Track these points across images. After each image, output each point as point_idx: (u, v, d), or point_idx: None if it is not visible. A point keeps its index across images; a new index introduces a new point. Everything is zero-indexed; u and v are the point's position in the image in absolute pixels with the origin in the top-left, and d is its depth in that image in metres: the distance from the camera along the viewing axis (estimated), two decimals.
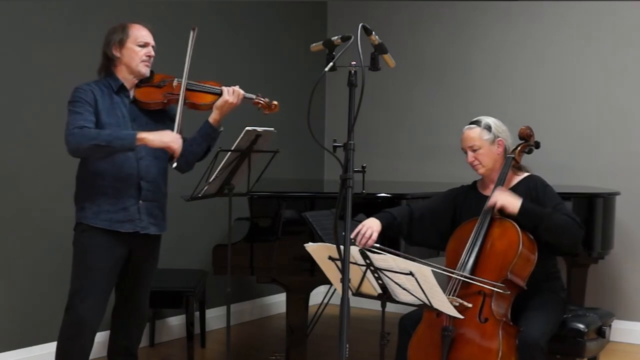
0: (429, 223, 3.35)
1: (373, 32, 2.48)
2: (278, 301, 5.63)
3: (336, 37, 2.48)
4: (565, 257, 4.44)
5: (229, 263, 3.32)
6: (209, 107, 3.20)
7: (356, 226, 3.21)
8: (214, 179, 3.21)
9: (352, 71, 2.37)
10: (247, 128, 3.14)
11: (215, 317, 5.04)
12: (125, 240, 3.10)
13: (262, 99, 3.29)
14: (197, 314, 4.60)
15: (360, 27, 2.37)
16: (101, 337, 3.48)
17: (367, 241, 3.13)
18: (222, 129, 3.26)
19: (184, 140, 3.21)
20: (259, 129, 3.19)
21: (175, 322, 4.93)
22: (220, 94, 3.20)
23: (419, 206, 3.43)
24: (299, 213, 3.64)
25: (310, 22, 6.11)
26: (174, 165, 3.08)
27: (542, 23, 5.34)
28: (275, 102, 3.31)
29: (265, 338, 5.18)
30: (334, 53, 2.46)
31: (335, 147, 2.43)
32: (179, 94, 3.13)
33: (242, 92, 3.21)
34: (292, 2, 5.90)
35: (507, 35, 5.48)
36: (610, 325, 3.40)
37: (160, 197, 3.22)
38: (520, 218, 3.08)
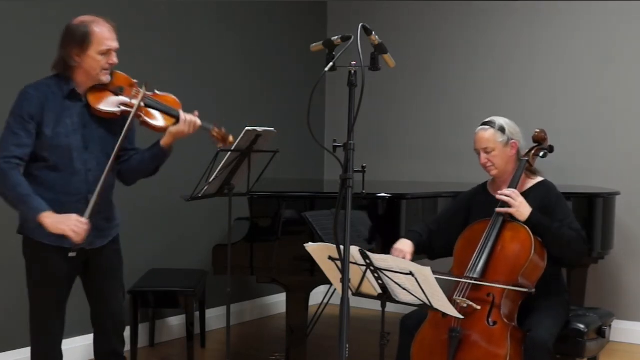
0: (447, 232, 3.32)
1: (373, 32, 2.47)
2: (278, 301, 5.63)
3: (336, 37, 2.48)
4: None
5: (229, 263, 3.31)
6: (163, 131, 2.97)
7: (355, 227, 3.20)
8: (214, 179, 3.21)
9: (352, 71, 2.37)
10: (247, 128, 3.13)
11: (215, 317, 5.03)
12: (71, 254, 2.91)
13: (216, 131, 3.09)
14: (197, 314, 4.60)
15: (360, 27, 2.37)
16: (88, 340, 3.42)
17: None
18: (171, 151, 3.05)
19: (135, 151, 3.06)
20: (259, 129, 3.19)
21: (175, 322, 4.93)
22: (177, 118, 2.97)
23: (434, 219, 3.44)
24: (299, 213, 3.64)
25: (311, 22, 6.11)
26: (70, 255, 2.80)
27: (542, 24, 5.33)
28: (231, 139, 3.11)
29: (265, 338, 5.18)
30: (334, 53, 2.45)
31: (335, 147, 2.43)
32: (132, 108, 2.89)
33: (198, 122, 3.01)
34: (292, 2, 5.90)
35: (508, 36, 5.48)
36: (610, 325, 3.40)
37: (107, 208, 3.03)
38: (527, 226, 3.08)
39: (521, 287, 2.98)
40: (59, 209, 2.82)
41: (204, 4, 5.10)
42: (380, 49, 2.53)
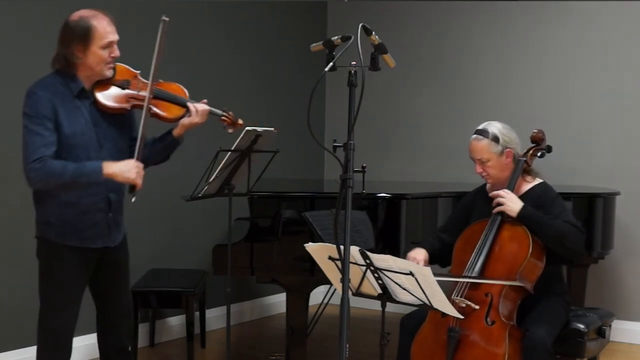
0: (455, 238, 3.31)
1: (373, 32, 2.48)
2: (278, 301, 5.63)
3: (336, 37, 2.48)
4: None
5: (229, 263, 3.32)
6: (175, 121, 2.98)
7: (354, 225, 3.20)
8: (214, 179, 3.21)
9: (352, 71, 2.37)
10: (247, 128, 3.13)
11: (215, 317, 5.04)
12: (94, 253, 2.94)
13: (226, 115, 3.10)
14: (197, 314, 4.60)
15: (360, 27, 2.37)
16: (88, 340, 3.41)
17: None
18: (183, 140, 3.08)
19: (145, 143, 3.00)
20: (259, 129, 3.19)
21: (175, 322, 4.93)
22: (186, 108, 2.98)
23: (442, 228, 3.45)
24: (299, 213, 3.64)
25: (310, 22, 6.11)
26: (133, 199, 2.85)
27: (542, 24, 5.33)
28: (241, 122, 3.14)
29: (265, 338, 5.18)
30: (334, 53, 2.46)
31: (335, 147, 2.43)
32: (143, 101, 2.86)
33: (207, 108, 3.02)
34: (292, 2, 5.90)
35: (508, 36, 5.47)
36: (610, 325, 3.40)
37: (122, 204, 3.04)
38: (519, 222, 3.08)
39: (519, 287, 2.99)
40: (83, 209, 2.83)
41: (203, 3, 5.10)
42: (380, 49, 2.53)
